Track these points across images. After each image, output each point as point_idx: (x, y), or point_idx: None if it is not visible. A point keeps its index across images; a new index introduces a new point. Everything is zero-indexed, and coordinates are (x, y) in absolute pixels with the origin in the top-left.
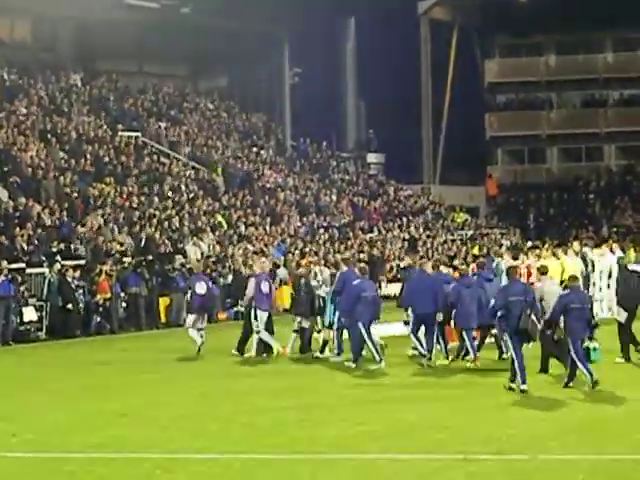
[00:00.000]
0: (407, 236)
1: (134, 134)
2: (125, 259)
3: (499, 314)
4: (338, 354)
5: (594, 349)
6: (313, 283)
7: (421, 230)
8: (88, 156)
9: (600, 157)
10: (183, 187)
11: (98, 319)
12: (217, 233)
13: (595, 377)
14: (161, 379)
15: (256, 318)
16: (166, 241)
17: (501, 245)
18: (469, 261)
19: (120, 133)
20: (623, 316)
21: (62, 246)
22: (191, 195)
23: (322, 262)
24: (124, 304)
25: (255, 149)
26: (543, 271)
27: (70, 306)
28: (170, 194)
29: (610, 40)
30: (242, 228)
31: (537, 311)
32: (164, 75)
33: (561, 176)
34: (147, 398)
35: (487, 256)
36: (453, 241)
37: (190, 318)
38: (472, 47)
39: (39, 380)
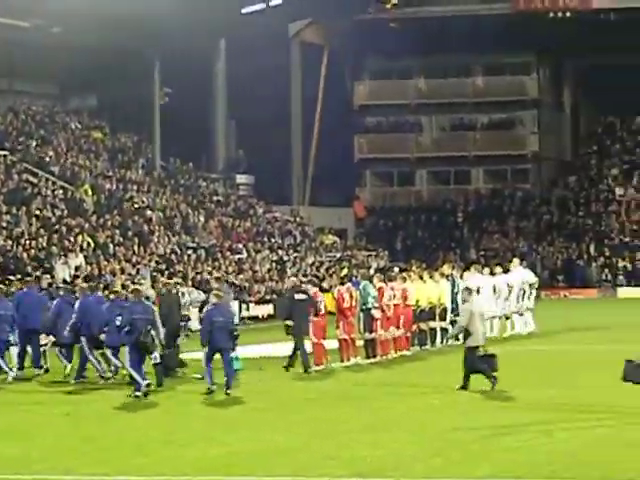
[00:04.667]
0: (275, 257)
1: (3, 152)
2: None
3: (125, 330)
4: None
5: (236, 358)
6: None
7: (290, 252)
8: None
9: (468, 180)
10: (51, 206)
11: None
12: (85, 253)
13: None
14: (23, 400)
15: None
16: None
17: (369, 267)
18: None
19: None
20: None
21: None
22: (59, 214)
23: (190, 283)
24: None
25: (124, 169)
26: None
27: None
28: (38, 213)
29: (479, 64)
30: (110, 248)
31: (157, 329)
32: (34, 93)
33: (429, 199)
34: (7, 419)
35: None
36: (322, 263)
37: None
38: (342, 69)
39: None
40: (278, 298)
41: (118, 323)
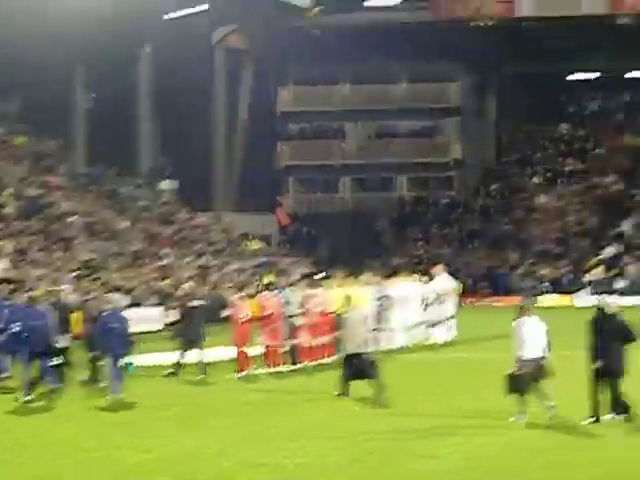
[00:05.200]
0: (200, 263)
1: None
2: None
3: (22, 337)
4: None
5: (130, 364)
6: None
7: (214, 257)
8: None
9: (392, 188)
10: None
11: None
12: (9, 258)
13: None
14: None
15: None
16: None
17: (292, 274)
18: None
19: None
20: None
21: None
22: None
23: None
24: None
25: (47, 174)
26: (349, 300)
27: None
28: None
29: (403, 71)
30: (33, 253)
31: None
32: None
33: (353, 206)
34: None
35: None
36: (245, 269)
37: None
38: (266, 76)
39: None
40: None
41: (15, 330)
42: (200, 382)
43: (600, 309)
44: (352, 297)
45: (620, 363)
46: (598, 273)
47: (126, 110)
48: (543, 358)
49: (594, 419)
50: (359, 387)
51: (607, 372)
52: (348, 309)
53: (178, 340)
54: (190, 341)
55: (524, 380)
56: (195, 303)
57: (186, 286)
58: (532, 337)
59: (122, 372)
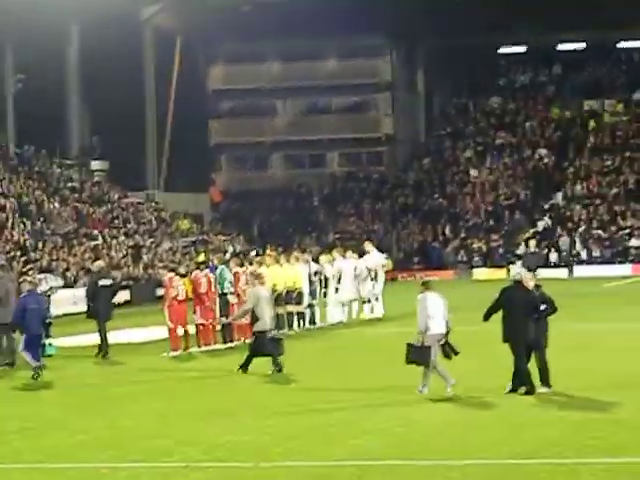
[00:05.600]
0: (132, 243)
1: None
2: None
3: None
4: None
5: (49, 345)
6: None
7: (146, 237)
8: None
9: (323, 164)
10: None
11: None
12: None
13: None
14: None
15: None
16: None
17: (225, 252)
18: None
19: None
20: None
21: None
22: None
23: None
24: None
25: None
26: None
27: None
28: None
29: (332, 47)
30: None
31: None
32: None
33: (285, 183)
34: None
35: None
36: (178, 248)
37: None
38: (197, 54)
39: None
40: (134, 284)
41: None
42: (145, 361)
43: (517, 282)
44: (260, 275)
45: (536, 335)
46: (530, 246)
47: (56, 91)
48: (447, 333)
49: (526, 390)
50: (292, 364)
51: (520, 343)
52: (254, 286)
53: (94, 320)
54: (100, 320)
55: (425, 353)
56: (105, 282)
57: (97, 264)
58: (436, 312)
59: (41, 352)
